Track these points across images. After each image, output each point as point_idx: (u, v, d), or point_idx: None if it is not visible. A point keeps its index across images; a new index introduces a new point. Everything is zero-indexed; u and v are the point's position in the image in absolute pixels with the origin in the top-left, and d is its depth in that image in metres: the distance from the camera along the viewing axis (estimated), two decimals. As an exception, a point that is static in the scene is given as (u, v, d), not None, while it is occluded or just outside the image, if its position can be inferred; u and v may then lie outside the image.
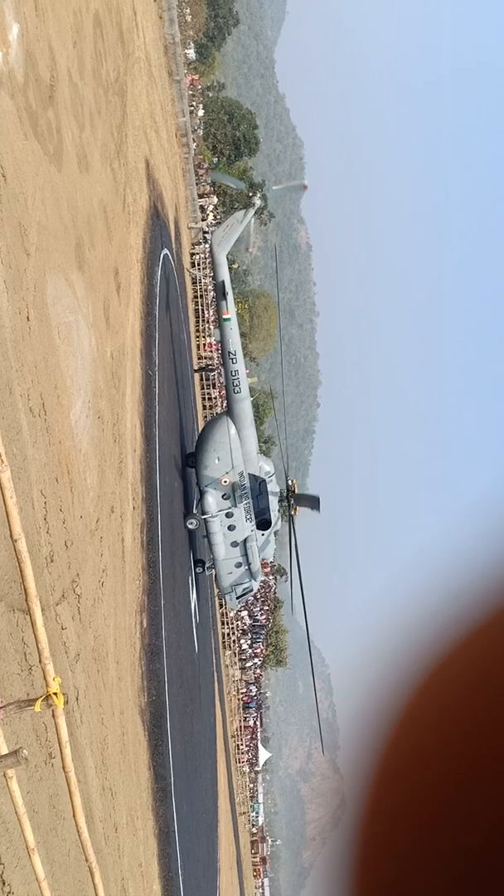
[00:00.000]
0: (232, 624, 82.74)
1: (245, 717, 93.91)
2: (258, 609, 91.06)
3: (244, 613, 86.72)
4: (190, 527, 43.74)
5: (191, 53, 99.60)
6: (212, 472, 42.57)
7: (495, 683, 3.31)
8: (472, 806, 3.31)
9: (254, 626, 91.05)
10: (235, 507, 42.96)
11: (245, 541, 44.03)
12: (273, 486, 44.14)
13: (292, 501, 44.87)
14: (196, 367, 74.17)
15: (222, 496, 42.79)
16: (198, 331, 76.69)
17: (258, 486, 43.28)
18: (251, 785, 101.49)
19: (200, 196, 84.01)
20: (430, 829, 3.35)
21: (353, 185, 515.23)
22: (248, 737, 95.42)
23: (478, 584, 3.49)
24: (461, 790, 3.35)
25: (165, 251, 44.99)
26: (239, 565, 44.98)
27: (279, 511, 45.17)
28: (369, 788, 3.50)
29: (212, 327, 75.89)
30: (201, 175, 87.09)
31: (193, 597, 47.00)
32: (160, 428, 34.29)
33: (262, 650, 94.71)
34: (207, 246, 65.86)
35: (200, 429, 50.35)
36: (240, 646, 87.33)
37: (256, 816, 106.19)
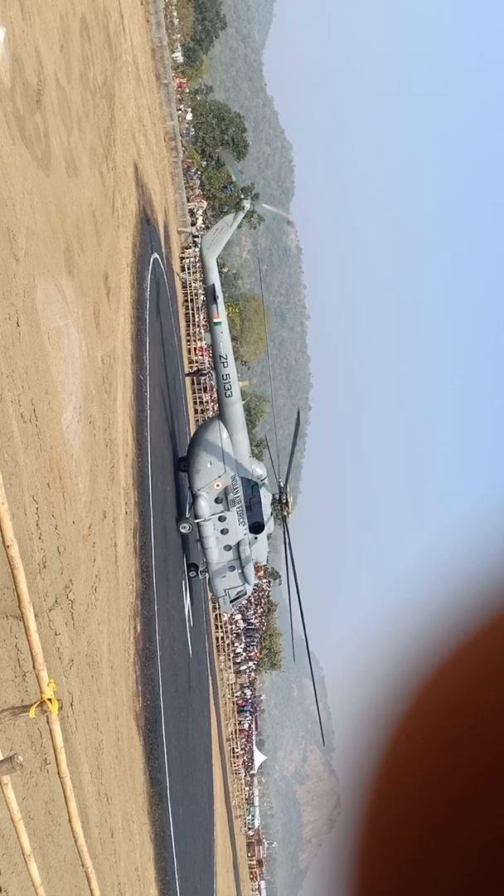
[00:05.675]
0: (226, 627, 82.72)
1: (240, 721, 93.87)
2: (252, 612, 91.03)
3: (238, 617, 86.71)
4: (183, 531, 43.70)
5: (178, 57, 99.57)
6: (204, 475, 42.55)
7: (492, 686, 3.32)
8: (468, 806, 3.31)
9: (248, 629, 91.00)
10: (228, 510, 42.95)
11: (238, 544, 44.00)
12: (265, 490, 44.16)
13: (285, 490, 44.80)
14: (187, 371, 74.18)
15: (215, 500, 42.77)
16: (188, 335, 76.66)
17: (251, 490, 43.29)
18: (247, 788, 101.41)
19: (189, 200, 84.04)
20: (425, 830, 3.35)
21: (342, 187, 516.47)
22: (244, 740, 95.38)
23: (475, 589, 3.50)
24: (456, 791, 3.35)
25: (155, 255, 44.96)
26: (232, 569, 44.96)
27: (272, 514, 45.17)
28: (364, 790, 3.51)
29: (202, 331, 75.89)
30: (191, 179, 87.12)
31: (187, 601, 46.95)
32: (152, 432, 34.26)
33: (256, 653, 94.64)
34: (197, 250, 65.92)
35: (192, 433, 50.33)
36: (234, 649, 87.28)
37: (252, 819, 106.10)
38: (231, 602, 47.62)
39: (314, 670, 41.57)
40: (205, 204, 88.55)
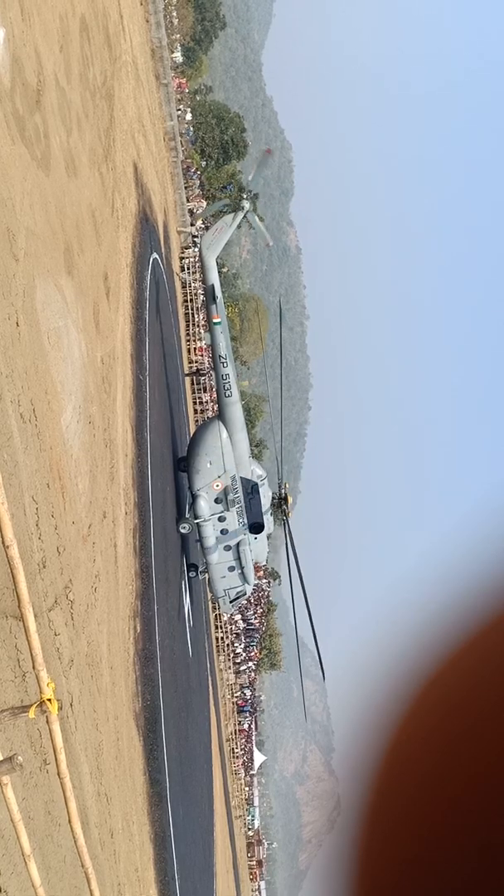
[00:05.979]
0: (226, 628, 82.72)
1: (240, 721, 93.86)
2: (252, 612, 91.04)
3: (238, 617, 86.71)
4: (182, 531, 43.68)
5: (178, 57, 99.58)
6: (204, 476, 42.51)
7: (492, 686, 3.32)
8: (468, 806, 3.31)
9: (248, 629, 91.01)
10: (228, 510, 42.91)
11: (238, 544, 43.97)
12: (265, 490, 44.12)
13: (283, 501, 44.79)
14: (187, 372, 74.16)
15: (214, 500, 42.73)
16: (188, 335, 76.67)
17: (250, 490, 43.26)
18: (247, 788, 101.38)
19: (189, 200, 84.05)
20: (424, 830, 3.35)
21: (342, 187, 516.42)
22: (243, 740, 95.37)
23: (475, 589, 3.50)
24: (456, 791, 3.35)
25: (155, 255, 44.96)
26: (232, 569, 44.92)
27: (270, 511, 45.13)
28: (364, 790, 3.51)
29: (202, 331, 75.91)
30: (191, 179, 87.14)
31: (187, 601, 46.94)
32: (151, 432, 34.26)
33: (255, 654, 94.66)
34: (197, 250, 65.89)
35: (192, 433, 50.33)
36: (234, 649, 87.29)
37: (252, 820, 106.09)
38: (231, 602, 47.60)
39: (314, 671, 41.43)
40: (204, 204, 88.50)
